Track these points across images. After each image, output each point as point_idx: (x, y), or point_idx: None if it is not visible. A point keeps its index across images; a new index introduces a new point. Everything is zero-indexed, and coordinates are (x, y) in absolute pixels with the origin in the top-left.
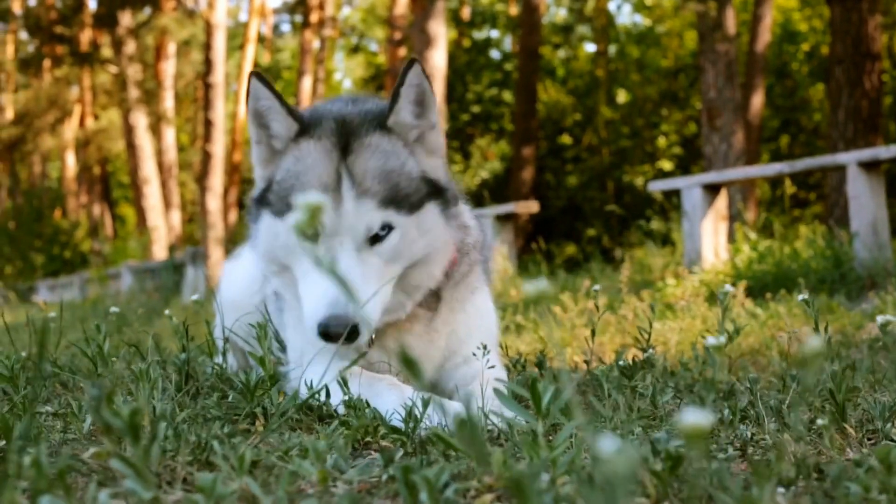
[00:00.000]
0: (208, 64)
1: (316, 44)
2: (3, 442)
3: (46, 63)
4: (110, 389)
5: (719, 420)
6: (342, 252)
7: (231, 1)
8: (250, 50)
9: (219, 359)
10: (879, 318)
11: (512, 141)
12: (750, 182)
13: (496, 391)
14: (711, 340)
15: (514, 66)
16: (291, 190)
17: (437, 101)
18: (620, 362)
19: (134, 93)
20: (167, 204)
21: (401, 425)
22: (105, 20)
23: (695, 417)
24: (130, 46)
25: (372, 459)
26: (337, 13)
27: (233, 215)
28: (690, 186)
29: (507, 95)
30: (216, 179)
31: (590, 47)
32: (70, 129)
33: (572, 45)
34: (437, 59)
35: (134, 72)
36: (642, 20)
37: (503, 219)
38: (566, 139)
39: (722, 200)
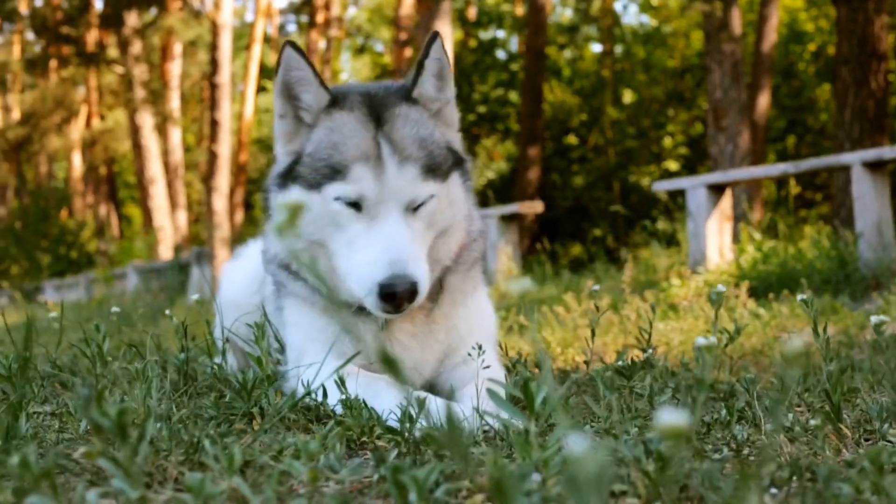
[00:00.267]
0: (214, 64)
1: (322, 44)
2: None
3: (53, 63)
4: (101, 389)
5: (715, 420)
6: (388, 218)
7: (237, 1)
8: (256, 50)
9: (218, 359)
10: (873, 319)
11: (518, 141)
12: (756, 182)
13: (490, 392)
14: (701, 341)
15: (520, 66)
16: (329, 160)
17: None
18: (620, 362)
19: (140, 93)
20: (173, 204)
21: (397, 425)
22: (111, 20)
23: (671, 417)
24: (136, 47)
25: (365, 459)
26: (343, 13)
27: (239, 215)
28: (695, 187)
29: (513, 96)
30: (222, 180)
31: (596, 47)
32: (76, 130)
33: (578, 45)
34: None
35: (140, 72)
36: (648, 20)
37: (508, 219)
38: (572, 139)
39: (727, 201)
